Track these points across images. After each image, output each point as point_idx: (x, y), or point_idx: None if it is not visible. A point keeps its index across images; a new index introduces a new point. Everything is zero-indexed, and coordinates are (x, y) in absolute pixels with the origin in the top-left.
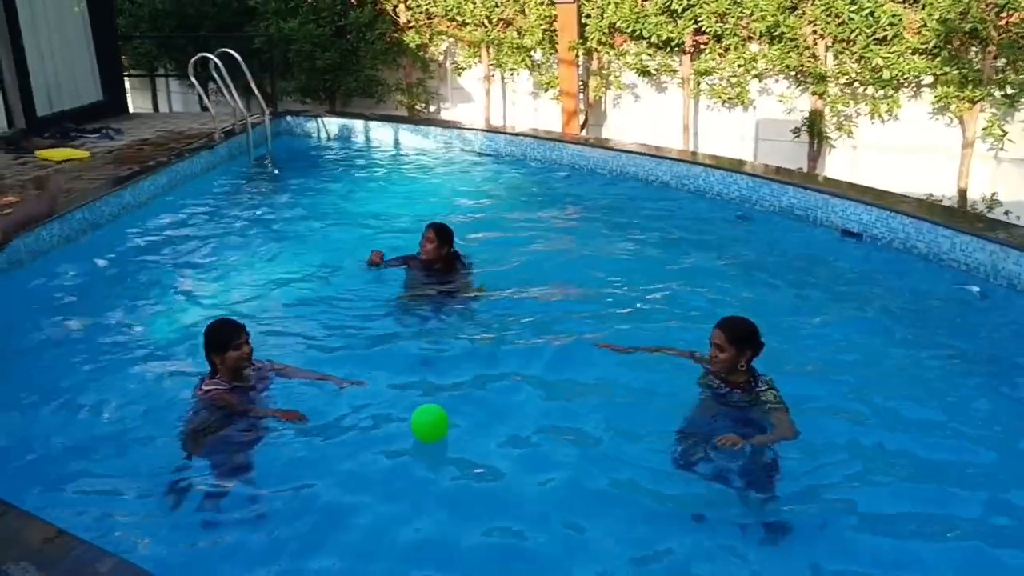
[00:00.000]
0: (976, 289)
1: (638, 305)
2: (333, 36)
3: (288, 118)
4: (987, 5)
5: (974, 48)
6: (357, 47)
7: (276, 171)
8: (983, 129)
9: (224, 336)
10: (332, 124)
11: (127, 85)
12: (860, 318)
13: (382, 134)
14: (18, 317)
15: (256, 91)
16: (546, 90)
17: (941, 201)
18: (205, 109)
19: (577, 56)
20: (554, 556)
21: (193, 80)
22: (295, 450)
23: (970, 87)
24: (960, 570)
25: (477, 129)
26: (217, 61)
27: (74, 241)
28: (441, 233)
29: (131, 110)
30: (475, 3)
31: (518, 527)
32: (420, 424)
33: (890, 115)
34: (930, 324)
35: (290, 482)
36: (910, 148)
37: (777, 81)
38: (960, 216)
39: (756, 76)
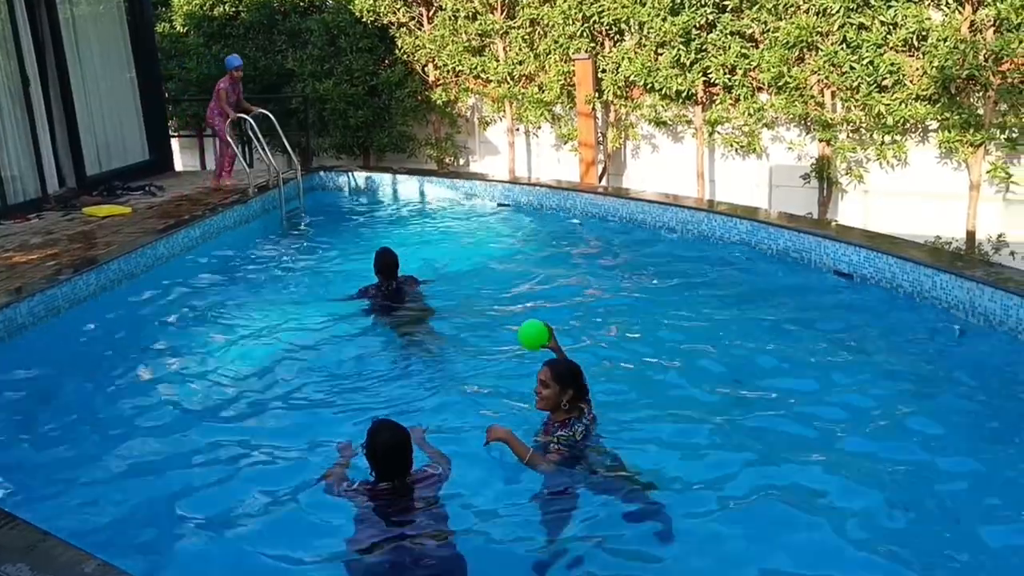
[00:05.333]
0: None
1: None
2: (366, 95)
3: (321, 173)
4: (984, 53)
5: (976, 93)
6: (389, 105)
7: (305, 224)
8: (988, 172)
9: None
10: (361, 178)
11: (177, 145)
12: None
13: (408, 187)
14: (58, 361)
15: (288, 148)
16: (566, 142)
17: (950, 244)
18: (251, 166)
19: (594, 109)
20: None
21: (229, 140)
22: None
23: (972, 131)
24: None
25: (496, 180)
26: (252, 122)
27: (109, 290)
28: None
29: (179, 168)
30: (498, 61)
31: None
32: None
33: (898, 160)
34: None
35: None
36: (919, 192)
37: (788, 129)
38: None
39: (766, 125)
